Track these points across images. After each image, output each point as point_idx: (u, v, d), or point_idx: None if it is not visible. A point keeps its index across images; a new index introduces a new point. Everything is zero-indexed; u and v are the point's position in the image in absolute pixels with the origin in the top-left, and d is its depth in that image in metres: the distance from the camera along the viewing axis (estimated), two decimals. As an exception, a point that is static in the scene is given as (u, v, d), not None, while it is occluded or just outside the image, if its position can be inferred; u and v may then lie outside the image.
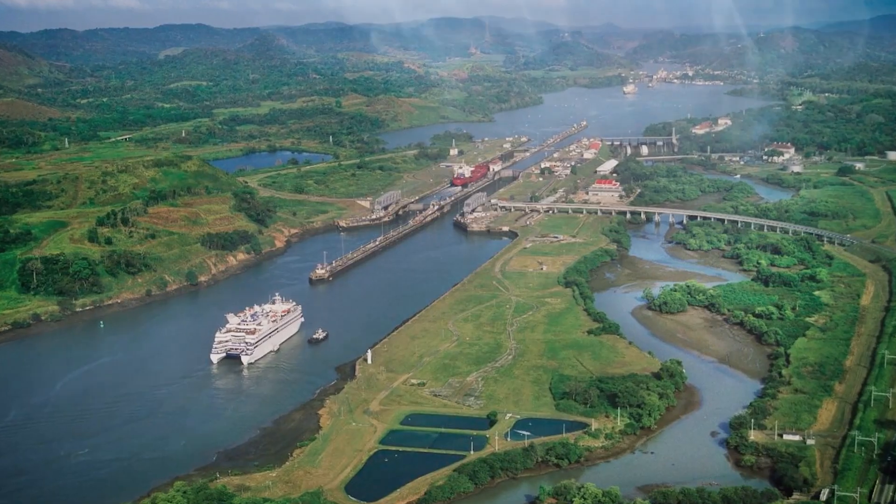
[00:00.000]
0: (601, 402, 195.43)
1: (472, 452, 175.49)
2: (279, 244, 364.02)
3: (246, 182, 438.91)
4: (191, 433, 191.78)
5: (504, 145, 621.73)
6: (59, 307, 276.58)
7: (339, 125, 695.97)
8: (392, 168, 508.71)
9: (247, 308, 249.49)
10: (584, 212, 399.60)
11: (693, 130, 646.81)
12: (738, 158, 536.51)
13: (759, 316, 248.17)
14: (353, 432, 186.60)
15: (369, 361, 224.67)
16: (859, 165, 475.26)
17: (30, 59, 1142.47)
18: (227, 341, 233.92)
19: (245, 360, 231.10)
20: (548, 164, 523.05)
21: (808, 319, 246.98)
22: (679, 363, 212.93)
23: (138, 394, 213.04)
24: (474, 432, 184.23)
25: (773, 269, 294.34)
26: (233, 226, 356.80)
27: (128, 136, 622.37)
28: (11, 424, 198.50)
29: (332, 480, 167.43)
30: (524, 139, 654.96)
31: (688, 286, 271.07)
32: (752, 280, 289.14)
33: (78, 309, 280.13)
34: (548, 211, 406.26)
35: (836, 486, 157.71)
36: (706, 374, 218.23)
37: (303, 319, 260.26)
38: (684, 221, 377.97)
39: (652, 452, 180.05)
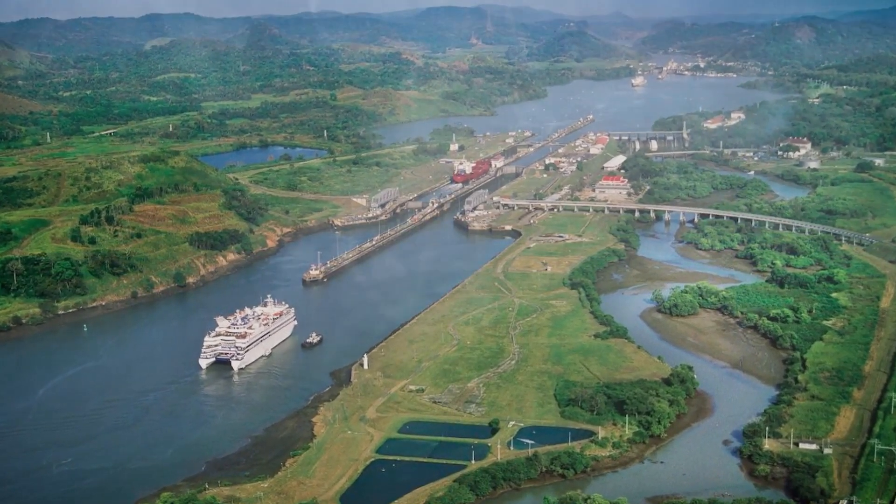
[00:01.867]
0: (608, 409, 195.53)
1: (473, 462, 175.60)
2: (271, 244, 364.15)
3: (236, 179, 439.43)
4: (179, 442, 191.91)
5: (507, 140, 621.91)
6: (40, 310, 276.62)
7: (334, 119, 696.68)
8: (389, 164, 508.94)
9: (237, 311, 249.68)
10: (591, 210, 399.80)
11: (705, 125, 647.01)
12: (751, 154, 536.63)
13: (773, 319, 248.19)
14: (349, 441, 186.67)
15: (365, 367, 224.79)
16: (879, 161, 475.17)
17: (10, 50, 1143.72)
18: (216, 345, 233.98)
19: (235, 365, 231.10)
20: (552, 160, 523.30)
21: (825, 322, 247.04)
22: (690, 368, 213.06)
23: (124, 400, 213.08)
24: (475, 441, 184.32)
25: (789, 270, 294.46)
26: (222, 224, 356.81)
27: (112, 131, 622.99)
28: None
29: (326, 491, 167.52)
30: (528, 134, 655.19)
31: (699, 288, 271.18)
32: (767, 281, 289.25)
33: (60, 311, 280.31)
34: (552, 209, 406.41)
35: (854, 497, 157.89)
36: (718, 379, 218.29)
37: (296, 323, 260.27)
38: (695, 220, 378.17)
39: (662, 462, 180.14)
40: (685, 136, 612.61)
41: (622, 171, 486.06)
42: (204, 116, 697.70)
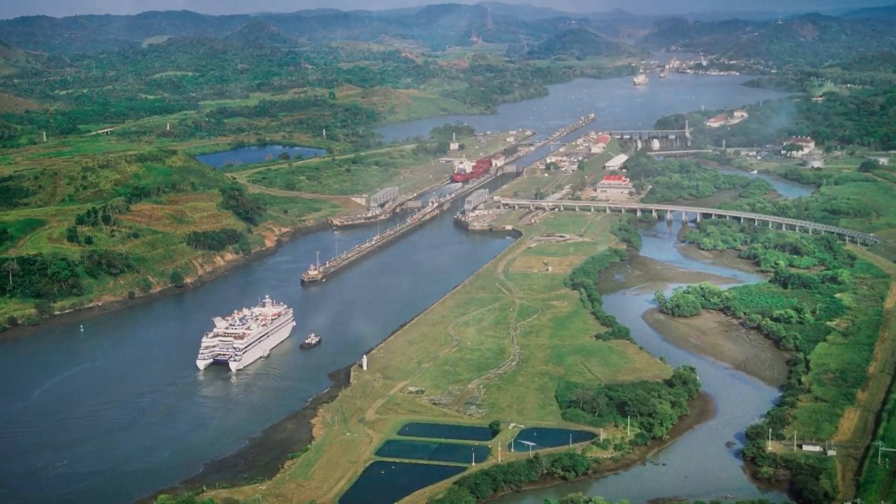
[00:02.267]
0: (610, 410, 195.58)
1: (473, 464, 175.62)
2: (269, 244, 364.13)
3: (234, 178, 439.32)
4: (176, 443, 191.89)
5: (507, 139, 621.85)
6: (36, 310, 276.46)
7: (333, 118, 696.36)
8: (389, 163, 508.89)
9: (235, 311, 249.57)
10: (592, 209, 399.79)
11: (707, 123, 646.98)
12: (754, 153, 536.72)
13: (777, 319, 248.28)
14: (348, 443, 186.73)
15: (365, 368, 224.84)
16: (883, 160, 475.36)
17: (5, 48, 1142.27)
18: (214, 346, 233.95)
19: (233, 366, 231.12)
20: (553, 159, 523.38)
21: (828, 323, 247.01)
22: (692, 370, 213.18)
23: (120, 402, 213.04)
24: (476, 443, 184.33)
25: (792, 270, 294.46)
26: (220, 224, 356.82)
27: (109, 130, 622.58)
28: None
29: (325, 494, 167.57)
30: (528, 133, 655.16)
31: (702, 288, 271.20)
32: (770, 282, 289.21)
33: (56, 312, 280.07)
34: (553, 209, 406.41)
35: (858, 500, 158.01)
36: (721, 381, 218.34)
37: (294, 323, 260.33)
38: (698, 220, 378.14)
39: (664, 464, 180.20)
40: (687, 134, 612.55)
41: (624, 170, 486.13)
42: (201, 115, 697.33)
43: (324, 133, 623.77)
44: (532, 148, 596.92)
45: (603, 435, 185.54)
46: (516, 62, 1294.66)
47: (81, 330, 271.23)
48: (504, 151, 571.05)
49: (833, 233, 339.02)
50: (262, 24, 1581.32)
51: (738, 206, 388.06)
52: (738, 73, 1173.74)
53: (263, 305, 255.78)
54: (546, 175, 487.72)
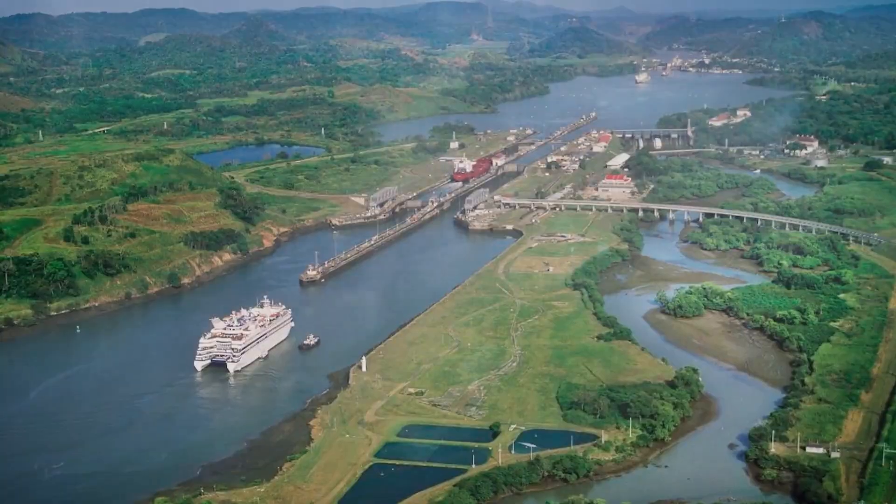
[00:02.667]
0: (612, 412, 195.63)
1: (473, 466, 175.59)
2: (267, 244, 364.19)
3: (232, 177, 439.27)
4: (173, 445, 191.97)
5: (508, 138, 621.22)
6: (32, 311, 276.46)
7: (332, 116, 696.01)
8: (388, 162, 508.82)
9: (233, 312, 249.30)
10: (594, 209, 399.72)
11: (710, 122, 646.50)
12: (757, 152, 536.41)
13: (780, 320, 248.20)
14: (347, 445, 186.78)
15: (364, 369, 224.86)
16: (887, 160, 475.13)
17: (1, 46, 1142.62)
18: (211, 347, 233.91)
19: (231, 367, 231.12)
20: (555, 158, 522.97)
21: (832, 324, 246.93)
22: (695, 371, 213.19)
23: (117, 403, 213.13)
24: (476, 445, 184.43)
25: (796, 271, 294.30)
26: (218, 224, 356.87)
27: (106, 129, 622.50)
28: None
29: (324, 496, 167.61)
30: (529, 131, 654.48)
31: (704, 288, 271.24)
32: (773, 282, 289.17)
33: (53, 313, 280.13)
34: (554, 208, 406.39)
35: (862, 502, 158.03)
36: (724, 382, 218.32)
37: (293, 324, 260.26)
38: (700, 219, 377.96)
39: (666, 466, 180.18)
40: (690, 133, 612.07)
41: (626, 169, 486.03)
42: (199, 114, 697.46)
43: (322, 132, 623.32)
44: (533, 147, 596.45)
45: (604, 437, 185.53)
46: (517, 60, 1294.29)
47: (78, 331, 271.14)
48: (504, 150, 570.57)
49: (837, 233, 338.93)
50: (261, 22, 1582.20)
51: (740, 206, 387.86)
52: (740, 72, 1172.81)
53: (262, 306, 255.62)
54: (547, 174, 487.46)
